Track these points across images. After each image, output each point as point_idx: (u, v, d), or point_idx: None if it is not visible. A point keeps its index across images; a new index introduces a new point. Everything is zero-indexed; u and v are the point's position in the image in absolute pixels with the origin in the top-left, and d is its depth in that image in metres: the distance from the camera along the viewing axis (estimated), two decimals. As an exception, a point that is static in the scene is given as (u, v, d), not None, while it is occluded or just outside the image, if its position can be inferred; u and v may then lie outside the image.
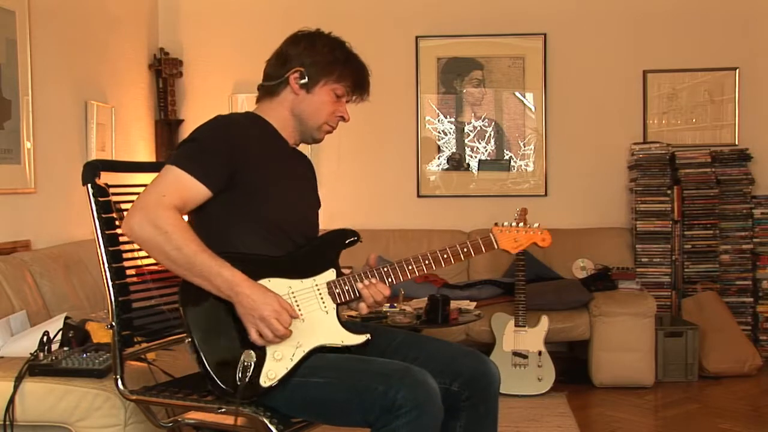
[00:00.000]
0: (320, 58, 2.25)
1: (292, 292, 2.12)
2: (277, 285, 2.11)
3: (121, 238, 2.27)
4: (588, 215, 5.21)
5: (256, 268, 2.09)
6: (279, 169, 2.24)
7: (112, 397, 2.51)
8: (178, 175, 2.06)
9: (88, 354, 2.69)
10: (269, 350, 2.05)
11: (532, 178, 5.33)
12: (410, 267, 2.23)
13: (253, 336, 2.03)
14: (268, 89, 2.30)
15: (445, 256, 2.29)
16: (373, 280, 2.18)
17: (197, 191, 2.08)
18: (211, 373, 2.02)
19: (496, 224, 2.38)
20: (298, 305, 2.12)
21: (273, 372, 2.05)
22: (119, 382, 2.28)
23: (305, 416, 2.13)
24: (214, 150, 2.10)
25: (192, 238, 2.01)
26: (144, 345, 2.39)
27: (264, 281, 2.09)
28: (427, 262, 2.25)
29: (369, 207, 5.38)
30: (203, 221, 2.18)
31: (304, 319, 2.11)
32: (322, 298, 2.16)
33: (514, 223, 2.39)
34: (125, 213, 2.13)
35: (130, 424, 2.54)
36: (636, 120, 5.28)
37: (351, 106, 2.32)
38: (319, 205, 2.44)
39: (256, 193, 2.16)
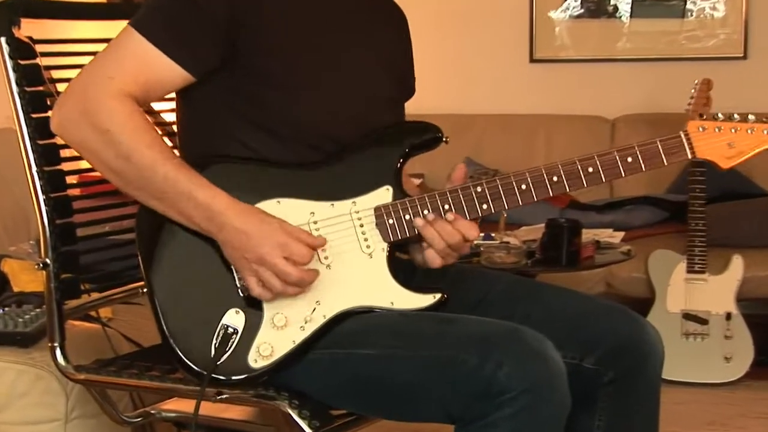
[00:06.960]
0: None
1: (314, 221, 1.82)
2: (293, 209, 1.82)
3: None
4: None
5: (259, 183, 1.84)
6: (321, 34, 1.89)
7: (46, 375, 2.24)
8: (140, 48, 1.78)
9: (6, 309, 2.45)
10: (267, 311, 1.78)
11: (721, 30, 4.69)
12: (523, 187, 1.81)
13: (255, 289, 1.76)
14: None
15: (590, 169, 1.78)
16: (450, 215, 1.83)
17: (169, 73, 1.78)
18: (172, 342, 1.76)
19: (699, 115, 1.75)
20: None
21: (269, 347, 1.75)
22: (58, 352, 2.04)
23: (351, 407, 1.89)
24: (205, 6, 1.80)
25: (150, 141, 1.75)
26: (96, 295, 2.16)
27: (270, 202, 1.80)
28: (555, 179, 1.81)
29: (454, 80, 4.74)
30: (187, 114, 1.95)
31: (330, 264, 1.82)
32: (364, 233, 1.83)
33: (720, 116, 1.73)
34: (60, 93, 2.02)
35: (75, 419, 2.22)
36: None
37: None
38: (405, 92, 2.05)
39: (273, 79, 1.85)
